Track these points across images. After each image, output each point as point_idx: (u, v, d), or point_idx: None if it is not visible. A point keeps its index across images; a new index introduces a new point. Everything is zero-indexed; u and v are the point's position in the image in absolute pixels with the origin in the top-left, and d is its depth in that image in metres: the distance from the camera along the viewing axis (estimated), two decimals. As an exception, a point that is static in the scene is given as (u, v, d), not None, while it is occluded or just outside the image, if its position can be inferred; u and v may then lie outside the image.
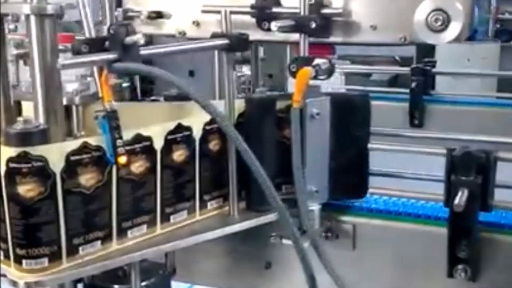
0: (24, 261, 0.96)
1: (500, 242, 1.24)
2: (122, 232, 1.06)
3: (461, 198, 1.12)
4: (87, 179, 0.98)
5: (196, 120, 1.12)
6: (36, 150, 0.92)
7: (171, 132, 1.09)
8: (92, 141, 0.98)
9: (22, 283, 0.95)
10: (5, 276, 0.97)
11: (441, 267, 1.25)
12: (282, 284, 1.40)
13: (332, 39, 1.27)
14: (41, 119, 1.00)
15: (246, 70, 2.13)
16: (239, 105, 1.21)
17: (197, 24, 1.34)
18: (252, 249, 1.40)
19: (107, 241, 1.04)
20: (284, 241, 1.27)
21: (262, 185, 1.07)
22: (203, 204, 1.19)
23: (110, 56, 0.94)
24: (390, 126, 2.20)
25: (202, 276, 1.41)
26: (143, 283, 1.20)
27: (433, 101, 2.47)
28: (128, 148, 1.01)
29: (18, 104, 1.17)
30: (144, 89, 2.71)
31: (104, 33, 1.01)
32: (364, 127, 1.30)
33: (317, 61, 1.16)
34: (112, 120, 0.96)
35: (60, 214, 0.96)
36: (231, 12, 1.14)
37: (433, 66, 2.61)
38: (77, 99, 1.10)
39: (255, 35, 1.28)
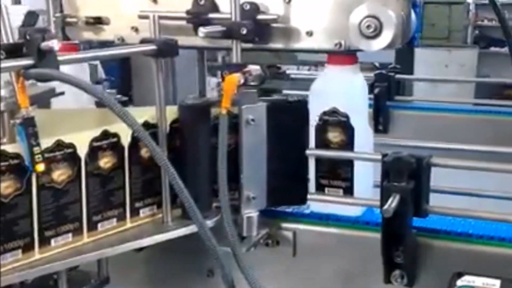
0: None
1: (437, 247, 1.24)
2: (45, 241, 1.04)
3: (390, 204, 1.11)
4: (5, 187, 0.97)
5: (125, 127, 1.11)
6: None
7: (96, 139, 1.08)
8: (10, 148, 0.97)
9: None
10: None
11: (380, 273, 1.25)
12: (224, 292, 1.40)
13: (268, 45, 1.27)
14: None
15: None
16: (173, 111, 1.20)
17: (135, 30, 1.33)
18: (194, 257, 1.39)
19: (28, 250, 1.02)
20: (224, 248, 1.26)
21: (180, 196, 1.06)
22: (134, 212, 1.17)
23: (25, 62, 0.92)
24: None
25: (140, 285, 1.40)
26: (75, 292, 1.18)
27: (397, 107, 2.47)
28: (49, 155, 1.00)
29: None
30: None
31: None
32: (302, 132, 1.30)
33: (249, 67, 1.16)
34: (28, 127, 0.94)
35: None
36: (161, 17, 1.13)
37: (398, 72, 2.62)
38: (2, 105, 1.08)
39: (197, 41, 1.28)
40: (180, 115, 1.19)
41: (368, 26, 1.18)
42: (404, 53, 6.47)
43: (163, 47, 1.08)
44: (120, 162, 1.13)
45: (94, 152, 1.08)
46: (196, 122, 1.20)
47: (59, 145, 1.03)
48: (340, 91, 1.32)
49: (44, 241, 1.04)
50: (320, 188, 1.33)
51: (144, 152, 1.16)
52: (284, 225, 1.35)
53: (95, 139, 1.08)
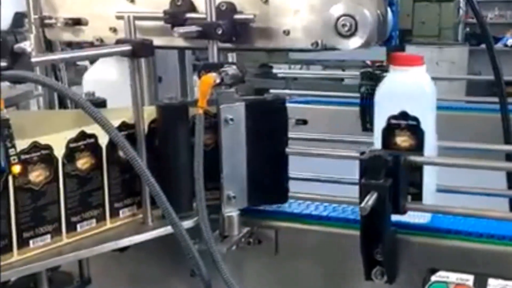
0: None
1: (416, 243, 1.25)
2: (23, 242, 1.05)
3: (367, 201, 1.12)
4: (-19, 189, 0.97)
5: (103, 127, 1.11)
6: None
7: (73, 140, 1.08)
8: (-15, 150, 0.97)
9: None
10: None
11: (362, 270, 1.26)
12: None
13: (245, 45, 1.27)
14: None
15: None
16: (152, 111, 1.21)
17: (114, 30, 1.33)
18: (177, 257, 1.39)
19: (6, 251, 1.03)
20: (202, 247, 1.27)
21: (155, 198, 1.07)
22: (114, 212, 1.18)
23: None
24: (343, 130, 2.22)
25: (123, 285, 1.41)
26: (56, 294, 1.19)
27: (384, 105, 2.48)
28: (25, 157, 1.01)
29: None
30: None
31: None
32: (281, 131, 1.31)
33: (226, 67, 1.16)
34: (3, 129, 0.95)
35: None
36: (138, 18, 1.14)
37: (385, 71, 2.62)
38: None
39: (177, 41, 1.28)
40: (157, 115, 1.19)
41: (344, 25, 1.19)
42: (395, 51, 6.50)
43: (138, 47, 1.09)
44: (98, 162, 1.13)
45: (71, 153, 1.09)
46: (173, 122, 1.20)
47: (36, 146, 1.03)
48: (409, 93, 1.28)
49: (23, 243, 1.05)
50: None
51: (122, 153, 1.17)
52: (266, 223, 1.36)
53: (72, 140, 1.08)
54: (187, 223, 1.20)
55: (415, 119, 1.26)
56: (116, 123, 1.13)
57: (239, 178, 1.28)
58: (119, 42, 1.11)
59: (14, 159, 0.97)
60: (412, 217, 1.26)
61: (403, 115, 1.27)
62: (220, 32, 1.16)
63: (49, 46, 1.39)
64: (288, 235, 1.36)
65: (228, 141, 1.25)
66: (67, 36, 1.37)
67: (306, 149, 1.32)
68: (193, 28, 1.15)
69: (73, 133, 1.08)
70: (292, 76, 5.09)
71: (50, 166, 1.06)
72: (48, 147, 1.05)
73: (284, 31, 1.26)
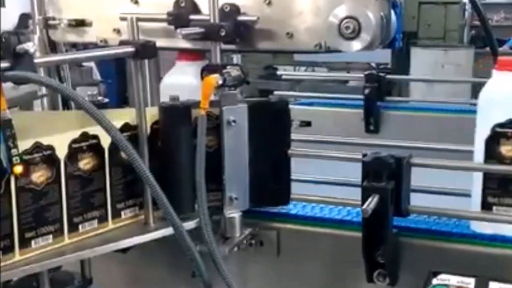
0: None
1: (418, 246, 1.25)
2: (25, 243, 1.05)
3: (369, 204, 1.12)
4: (-16, 189, 0.98)
5: (105, 129, 1.11)
6: None
7: (76, 141, 1.09)
8: (-12, 150, 0.98)
9: None
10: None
11: (363, 272, 1.26)
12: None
13: (248, 46, 1.28)
14: None
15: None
16: (154, 112, 1.21)
17: (117, 31, 1.34)
18: (178, 257, 1.39)
19: (8, 252, 1.03)
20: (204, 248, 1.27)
21: (156, 200, 1.07)
22: (116, 213, 1.18)
23: (1, 64, 0.93)
24: (347, 132, 2.21)
25: (125, 285, 1.41)
26: (58, 293, 1.19)
27: (388, 107, 2.48)
28: (27, 157, 1.01)
29: None
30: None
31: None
32: (283, 133, 1.31)
33: (228, 69, 1.17)
34: (6, 130, 0.95)
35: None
36: (141, 19, 1.14)
37: (388, 73, 2.63)
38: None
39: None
40: (160, 117, 1.20)
41: (347, 27, 1.19)
42: (400, 53, 6.50)
43: (141, 48, 1.09)
44: (101, 163, 1.13)
45: (73, 153, 1.09)
46: (176, 123, 1.20)
47: (38, 147, 1.04)
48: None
49: (25, 243, 1.05)
50: (487, 206, 1.19)
51: (124, 154, 1.17)
52: (268, 225, 1.36)
53: (75, 141, 1.09)
54: (189, 224, 1.20)
55: None
56: (119, 124, 1.13)
57: (241, 179, 1.28)
58: (122, 43, 1.11)
59: (16, 160, 0.97)
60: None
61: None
62: (223, 33, 1.16)
63: (53, 47, 1.40)
64: (290, 237, 1.36)
65: (231, 143, 1.25)
66: (71, 37, 1.37)
67: (309, 151, 1.32)
68: (197, 29, 1.16)
69: (75, 134, 1.09)
70: (297, 78, 5.08)
71: (52, 167, 1.06)
72: (50, 148, 1.05)
73: (287, 33, 1.26)
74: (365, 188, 1.17)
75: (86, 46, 1.42)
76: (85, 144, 1.10)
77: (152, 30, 1.31)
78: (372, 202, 1.13)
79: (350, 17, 1.19)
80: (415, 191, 1.25)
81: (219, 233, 1.28)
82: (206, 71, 1.16)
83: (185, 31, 1.15)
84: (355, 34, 1.19)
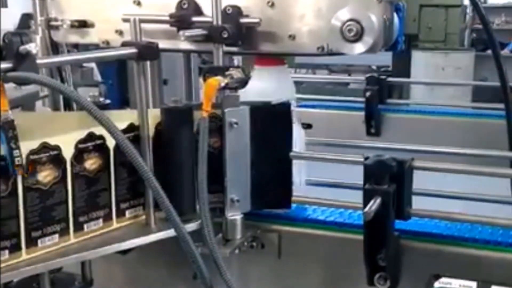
0: None
1: (419, 249, 1.25)
2: (32, 242, 1.05)
3: (370, 206, 1.12)
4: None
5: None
6: None
7: (82, 141, 1.09)
8: (-9, 151, 0.98)
9: None
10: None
11: (364, 275, 1.26)
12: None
13: (250, 49, 1.28)
14: None
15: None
16: (158, 113, 1.21)
17: (120, 33, 1.34)
18: (180, 259, 1.39)
19: (15, 251, 1.03)
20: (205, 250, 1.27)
21: (158, 202, 1.07)
22: (120, 213, 1.19)
23: (3, 65, 0.93)
24: (348, 135, 2.21)
25: (124, 286, 1.41)
26: (57, 294, 1.19)
27: (389, 110, 2.49)
28: (34, 157, 1.01)
29: None
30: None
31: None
32: (285, 136, 1.31)
33: (231, 71, 1.17)
34: (8, 131, 0.95)
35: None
36: (144, 21, 1.14)
37: (389, 75, 2.63)
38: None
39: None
40: (162, 118, 1.20)
41: (350, 30, 1.19)
42: (401, 56, 6.51)
43: (144, 50, 1.09)
44: (106, 163, 1.14)
45: (79, 154, 1.09)
46: (178, 125, 1.20)
47: (45, 147, 1.04)
48: None
49: (31, 242, 1.06)
50: None
51: (127, 155, 1.17)
52: (269, 227, 1.36)
53: (81, 141, 1.09)
54: (190, 226, 1.20)
55: None
56: (123, 125, 1.14)
57: (243, 181, 1.28)
58: (125, 44, 1.11)
59: (18, 161, 0.97)
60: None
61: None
62: (225, 35, 1.17)
63: (55, 48, 1.40)
64: (291, 239, 1.36)
65: (232, 145, 1.25)
66: (73, 38, 1.38)
67: (310, 153, 1.32)
68: (199, 31, 1.16)
69: (81, 134, 1.09)
70: (298, 80, 5.09)
71: (58, 167, 1.07)
72: (57, 148, 1.06)
73: (289, 35, 1.26)
74: (367, 190, 1.17)
75: (86, 47, 1.42)
76: (91, 144, 1.11)
77: (153, 31, 1.31)
78: (374, 204, 1.13)
79: (353, 19, 1.20)
80: (416, 194, 1.25)
81: (221, 235, 1.28)
82: (208, 73, 1.16)
83: (188, 33, 1.15)
84: (358, 36, 1.19)
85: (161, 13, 1.30)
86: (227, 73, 1.16)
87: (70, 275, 1.24)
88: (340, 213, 1.37)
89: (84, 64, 4.97)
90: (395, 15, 1.31)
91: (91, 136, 1.11)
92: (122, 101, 5.20)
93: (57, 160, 1.06)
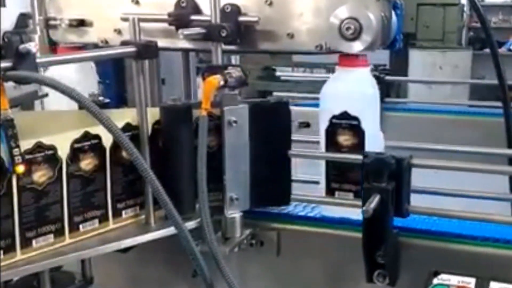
0: None
1: (418, 247, 1.25)
2: (26, 242, 1.05)
3: (369, 204, 1.12)
4: (-14, 188, 0.98)
5: (106, 128, 1.11)
6: None
7: (77, 141, 1.09)
8: (-10, 150, 0.98)
9: None
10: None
11: (363, 273, 1.26)
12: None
13: (249, 47, 1.28)
14: None
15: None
16: (155, 112, 1.21)
17: (119, 32, 1.34)
18: (179, 257, 1.39)
19: (9, 251, 1.03)
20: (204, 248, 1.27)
21: (159, 201, 1.07)
22: (116, 213, 1.18)
23: (3, 64, 0.93)
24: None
25: (125, 285, 1.41)
26: (58, 293, 1.19)
27: (388, 109, 2.49)
28: (29, 157, 1.01)
29: None
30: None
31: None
32: (284, 133, 1.31)
33: (230, 70, 1.17)
34: (8, 129, 0.95)
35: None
36: (142, 20, 1.14)
37: (388, 74, 2.63)
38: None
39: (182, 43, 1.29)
40: (161, 117, 1.20)
41: (348, 28, 1.20)
42: (399, 54, 6.51)
43: (143, 49, 1.09)
44: (102, 163, 1.13)
45: (75, 153, 1.09)
46: (177, 124, 1.20)
47: (40, 146, 1.04)
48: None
49: (26, 242, 1.05)
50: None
51: (126, 154, 1.17)
52: (268, 225, 1.36)
53: (76, 141, 1.09)
54: (190, 224, 1.20)
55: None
56: (120, 124, 1.13)
57: (242, 180, 1.28)
58: (124, 43, 1.11)
59: (18, 159, 0.97)
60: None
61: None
62: (224, 34, 1.17)
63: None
64: (290, 237, 1.36)
65: (231, 143, 1.25)
66: (72, 37, 1.38)
67: (309, 152, 1.32)
68: (198, 30, 1.16)
69: (77, 134, 1.09)
70: (296, 79, 5.09)
71: (54, 166, 1.06)
72: (52, 148, 1.05)
73: (288, 34, 1.26)
74: (366, 188, 1.17)
75: (84, 47, 1.42)
76: (87, 144, 1.10)
77: (152, 30, 1.31)
78: (373, 202, 1.13)
79: (351, 18, 1.20)
80: (415, 191, 1.25)
81: (220, 233, 1.28)
82: (207, 72, 1.16)
83: (187, 31, 1.15)
84: (356, 35, 1.19)
85: (160, 12, 1.30)
86: (226, 72, 1.16)
87: (70, 274, 1.24)
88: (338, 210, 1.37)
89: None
90: (393, 13, 1.31)
91: (86, 136, 1.11)
92: (120, 100, 5.20)
93: (52, 159, 1.06)
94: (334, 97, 1.32)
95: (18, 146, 0.97)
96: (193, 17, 1.26)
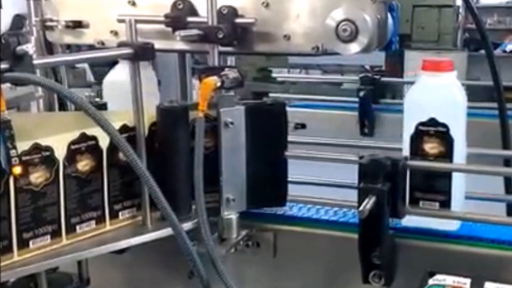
0: None
1: (414, 247, 1.26)
2: (23, 243, 1.05)
3: (365, 205, 1.13)
4: (-16, 190, 0.98)
5: (103, 130, 1.12)
6: None
7: (74, 142, 1.09)
8: (-14, 151, 0.98)
9: None
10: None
11: (359, 273, 1.27)
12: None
13: (246, 49, 1.28)
14: None
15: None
16: (151, 113, 1.21)
17: (115, 33, 1.34)
18: (175, 259, 1.40)
19: (6, 252, 1.03)
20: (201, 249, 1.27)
21: (156, 202, 1.07)
22: (113, 214, 1.18)
23: (1, 66, 0.93)
24: (341, 135, 2.22)
25: (122, 286, 1.41)
26: (55, 294, 1.19)
27: (382, 110, 2.49)
28: (25, 158, 1.01)
29: None
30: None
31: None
32: (280, 135, 1.31)
33: (226, 71, 1.17)
34: (5, 130, 0.95)
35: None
36: (139, 21, 1.15)
37: (383, 75, 2.64)
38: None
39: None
40: (157, 118, 1.20)
41: (344, 30, 1.20)
42: (394, 56, 6.53)
43: (140, 50, 1.10)
44: (99, 164, 1.14)
45: (72, 155, 1.09)
46: (173, 125, 1.21)
47: (37, 148, 1.04)
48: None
49: (23, 243, 1.05)
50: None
51: (122, 155, 1.17)
52: (265, 226, 1.37)
53: (73, 142, 1.09)
54: (187, 225, 1.20)
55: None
56: (117, 125, 1.13)
57: (238, 181, 1.29)
58: (120, 45, 1.11)
59: (15, 161, 0.97)
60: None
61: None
62: (221, 35, 1.17)
63: (49, 48, 1.40)
64: (286, 238, 1.37)
65: (228, 144, 1.25)
66: (68, 38, 1.38)
67: (305, 153, 1.33)
68: (194, 31, 1.16)
69: (74, 135, 1.09)
70: (291, 80, 5.09)
71: (50, 168, 1.06)
72: (49, 149, 1.05)
73: (284, 36, 1.27)
74: (362, 189, 1.18)
75: (79, 48, 1.43)
76: (84, 145, 1.10)
77: (149, 32, 1.31)
78: (369, 203, 1.13)
79: (347, 20, 1.20)
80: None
81: (216, 234, 1.29)
82: (204, 73, 1.16)
83: (183, 33, 1.15)
84: (352, 36, 1.20)
85: (156, 14, 1.30)
86: (222, 73, 1.16)
87: (67, 275, 1.24)
88: (335, 212, 1.38)
89: (78, 65, 4.96)
90: (389, 15, 1.32)
91: (83, 137, 1.11)
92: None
93: (49, 161, 1.06)
94: (421, 104, 1.27)
95: (15, 148, 0.97)
96: (190, 19, 1.26)
